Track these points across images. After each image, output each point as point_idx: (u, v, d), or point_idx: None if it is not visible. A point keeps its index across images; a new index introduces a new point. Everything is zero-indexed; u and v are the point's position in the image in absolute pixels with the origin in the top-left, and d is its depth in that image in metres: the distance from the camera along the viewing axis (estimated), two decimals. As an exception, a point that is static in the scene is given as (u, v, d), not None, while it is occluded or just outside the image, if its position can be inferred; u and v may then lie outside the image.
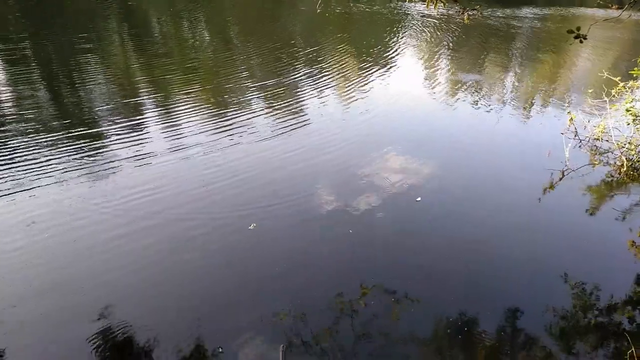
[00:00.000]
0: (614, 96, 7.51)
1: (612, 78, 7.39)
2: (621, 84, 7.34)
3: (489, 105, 9.80)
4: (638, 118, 7.06)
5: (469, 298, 4.35)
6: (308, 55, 12.81)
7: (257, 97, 9.01)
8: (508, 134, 8.46)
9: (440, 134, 8.12)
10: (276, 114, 8.30)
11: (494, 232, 5.48)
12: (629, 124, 7.27)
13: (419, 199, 5.87)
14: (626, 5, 4.73)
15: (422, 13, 25.53)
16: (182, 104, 8.50)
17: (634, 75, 7.12)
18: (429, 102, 9.68)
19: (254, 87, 9.48)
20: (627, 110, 7.16)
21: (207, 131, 7.47)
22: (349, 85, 10.05)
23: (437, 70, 12.61)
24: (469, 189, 6.42)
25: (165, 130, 7.49)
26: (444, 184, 6.44)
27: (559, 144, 7.62)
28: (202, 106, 8.47)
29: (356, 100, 9.24)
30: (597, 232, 5.69)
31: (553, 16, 29.38)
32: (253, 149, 7.00)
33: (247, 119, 7.99)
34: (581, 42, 3.47)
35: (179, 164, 6.47)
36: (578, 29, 3.54)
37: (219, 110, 8.37)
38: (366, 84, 10.33)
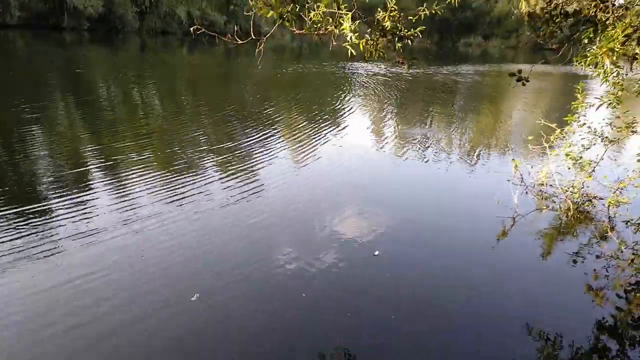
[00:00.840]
0: (552, 142, 7.92)
1: (549, 125, 7.84)
2: (558, 130, 7.78)
3: (438, 158, 10.06)
4: (578, 162, 7.43)
5: (430, 349, 4.17)
6: (262, 117, 12.90)
7: (212, 162, 8.74)
8: (457, 184, 8.62)
9: (393, 188, 8.15)
10: (232, 178, 8.02)
11: (450, 283, 5.37)
12: (569, 168, 7.62)
13: (376, 252, 5.77)
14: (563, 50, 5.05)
15: (370, 71, 26.83)
16: (133, 172, 8.08)
17: (568, 122, 7.58)
18: (380, 157, 9.80)
19: (208, 151, 9.27)
20: (567, 155, 7.53)
21: (160, 200, 6.97)
22: (303, 146, 10.05)
23: (387, 125, 13.02)
24: (424, 240, 6.34)
25: (115, 202, 6.92)
26: (400, 236, 6.34)
27: (507, 191, 7.79)
28: (154, 174, 8.07)
29: (311, 159, 9.18)
30: (552, 277, 5.69)
31: (489, 72, 31.69)
32: (210, 217, 6.61)
33: (203, 185, 7.58)
34: (523, 84, 3.60)
35: (129, 239, 5.91)
36: (519, 71, 3.68)
37: (173, 177, 7.96)
38: (320, 142, 10.38)
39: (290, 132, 11.27)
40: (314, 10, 4.60)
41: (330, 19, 4.91)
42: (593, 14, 4.66)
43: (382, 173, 8.85)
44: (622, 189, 6.89)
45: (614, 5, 4.80)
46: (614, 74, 5.65)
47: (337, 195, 7.57)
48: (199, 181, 7.77)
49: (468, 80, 26.48)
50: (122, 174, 7.95)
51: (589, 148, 7.76)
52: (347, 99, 16.67)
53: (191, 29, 4.60)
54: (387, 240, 6.15)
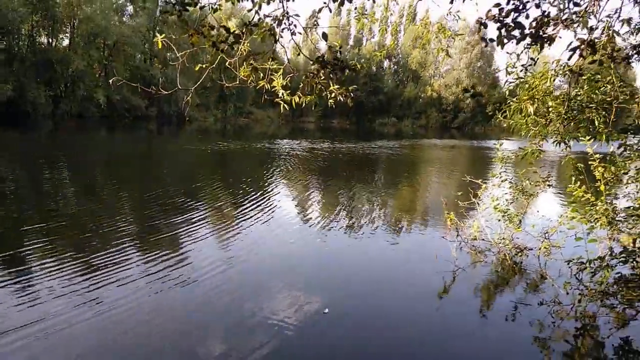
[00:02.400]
0: (479, 197, 8.22)
1: (475, 181, 8.17)
2: (484, 186, 8.13)
3: (371, 226, 9.93)
4: (506, 214, 7.70)
5: None
6: (186, 197, 12.21)
7: (132, 250, 7.63)
8: (395, 247, 8.42)
9: (330, 261, 7.68)
10: (156, 266, 7.03)
11: (396, 343, 5.06)
12: (499, 220, 7.86)
13: (325, 311, 5.30)
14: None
15: (296, 147, 27.38)
16: (41, 266, 6.85)
17: (491, 177, 7.97)
18: (312, 232, 9.21)
19: (130, 239, 8.20)
20: (495, 208, 7.79)
21: (72, 298, 5.85)
22: (230, 225, 9.27)
23: (315, 199, 12.90)
24: (369, 309, 5.99)
25: (20, 299, 5.76)
26: (341, 310, 5.91)
27: (444, 247, 7.90)
28: (63, 267, 6.90)
29: (239, 239, 8.42)
30: (498, 331, 5.48)
31: (405, 145, 33.85)
32: (130, 316, 5.64)
33: (125, 276, 6.49)
34: (478, 100, 3.60)
35: (34, 343, 4.82)
36: (473, 87, 3.69)
37: (89, 270, 6.83)
38: (247, 220, 9.72)
39: (217, 211, 10.65)
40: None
41: (262, 74, 4.82)
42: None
43: (317, 247, 8.36)
44: (549, 236, 7.14)
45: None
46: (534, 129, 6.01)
47: (271, 274, 7.01)
48: (114, 274, 6.67)
49: (388, 153, 27.93)
50: (27, 269, 6.75)
51: (512, 202, 8.12)
52: (273, 175, 16.59)
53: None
54: (328, 318, 5.64)
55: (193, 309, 5.70)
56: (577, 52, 2.62)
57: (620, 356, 4.93)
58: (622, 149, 5.31)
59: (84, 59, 44.27)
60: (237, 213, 10.28)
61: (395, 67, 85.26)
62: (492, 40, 2.72)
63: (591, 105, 5.31)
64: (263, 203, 11.43)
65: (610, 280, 4.97)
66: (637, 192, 6.21)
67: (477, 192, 8.19)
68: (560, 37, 2.53)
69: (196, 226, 9.04)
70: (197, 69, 4.48)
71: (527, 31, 2.56)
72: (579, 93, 5.42)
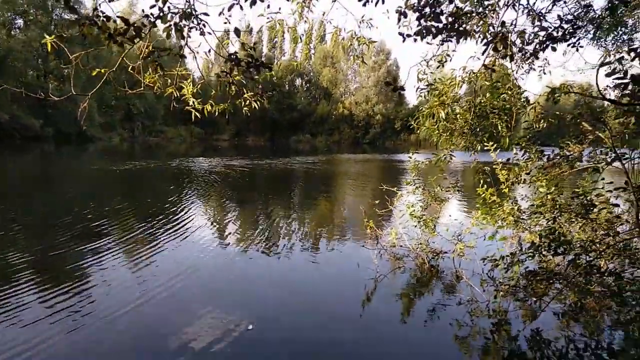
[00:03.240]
0: (395, 205, 8.40)
1: (391, 189, 8.34)
2: (400, 194, 8.32)
3: (293, 239, 9.79)
4: (421, 220, 7.92)
5: None
6: (95, 222, 11.09)
7: (36, 287, 6.69)
8: (317, 259, 8.28)
9: (252, 278, 7.34)
10: (64, 301, 6.16)
11: (321, 354, 4.92)
12: (415, 226, 8.07)
13: (250, 328, 4.94)
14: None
15: (206, 167, 26.46)
16: None
17: (407, 184, 8.20)
18: (230, 252, 8.74)
19: (30, 274, 7.16)
20: (411, 215, 8.00)
21: None
22: (144, 251, 8.49)
23: (232, 218, 12.41)
24: (294, 321, 5.77)
25: None
26: (266, 325, 5.63)
27: (365, 256, 7.93)
28: None
29: (154, 264, 7.68)
30: (418, 335, 5.56)
31: (321, 160, 34.34)
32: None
33: (30, 317, 5.61)
34: (400, 93, 3.54)
35: None
36: (395, 80, 3.64)
37: None
38: (162, 244, 9.00)
39: (129, 236, 9.73)
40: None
41: (169, 80, 4.47)
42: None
43: (238, 266, 7.92)
44: (462, 238, 7.44)
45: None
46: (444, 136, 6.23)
47: (190, 297, 6.50)
48: (15, 315, 5.78)
49: (305, 168, 28.06)
50: None
51: (426, 208, 8.39)
52: (188, 194, 15.74)
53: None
54: (251, 335, 5.33)
55: (110, 343, 5.05)
56: (491, 45, 2.70)
57: (532, 347, 5.18)
58: (522, 151, 5.67)
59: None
60: (151, 236, 9.49)
61: (308, 85, 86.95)
62: (409, 35, 2.71)
63: (494, 110, 5.62)
64: (178, 224, 10.72)
65: (520, 275, 5.22)
66: (535, 192, 6.68)
67: (393, 200, 8.36)
68: (475, 32, 2.59)
69: (106, 253, 8.19)
70: (94, 73, 4.02)
71: (444, 22, 2.58)
72: (482, 100, 5.72)
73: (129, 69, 4.31)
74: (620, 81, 3.78)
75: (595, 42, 9.30)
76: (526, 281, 5.19)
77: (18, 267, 7.25)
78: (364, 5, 3.60)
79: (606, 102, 7.30)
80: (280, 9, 4.18)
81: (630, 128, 4.28)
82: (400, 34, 2.81)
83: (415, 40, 2.70)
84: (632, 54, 3.28)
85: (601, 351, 5.05)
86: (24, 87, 46.12)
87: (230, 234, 10.15)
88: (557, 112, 5.62)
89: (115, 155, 34.33)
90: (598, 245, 4.99)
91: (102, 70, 3.89)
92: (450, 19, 2.60)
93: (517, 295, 5.48)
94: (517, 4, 3.87)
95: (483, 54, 3.04)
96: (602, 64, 4.21)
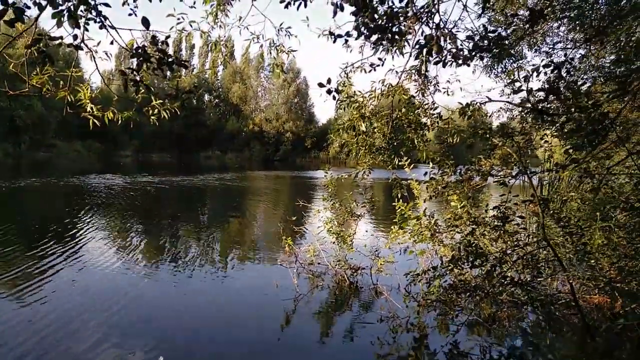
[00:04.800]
0: (311, 222, 8.20)
1: (307, 205, 8.13)
2: (316, 209, 8.14)
3: (207, 262, 9.12)
4: (339, 236, 7.78)
5: None
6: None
7: None
8: (233, 282, 7.76)
9: (161, 307, 6.64)
10: None
11: None
12: (333, 243, 7.91)
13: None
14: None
15: (111, 184, 24.39)
16: None
17: (324, 200, 8.05)
18: (137, 279, 7.82)
19: None
20: (329, 231, 7.84)
21: None
22: (29, 278, 7.45)
23: (139, 243, 11.29)
24: (209, 348, 5.27)
25: None
26: (180, 355, 5.09)
27: (284, 275, 7.59)
28: None
29: (45, 296, 6.69)
30: (339, 355, 5.36)
31: (232, 177, 33.50)
32: None
33: None
34: (334, 97, 3.30)
35: None
36: (329, 81, 3.37)
37: None
38: (56, 273, 7.84)
39: (13, 264, 8.39)
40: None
41: (62, 82, 3.83)
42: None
43: (145, 294, 7.09)
44: (379, 253, 7.42)
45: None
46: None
47: (92, 329, 5.66)
48: None
49: (216, 185, 27.05)
50: None
51: (343, 224, 8.29)
52: (85, 215, 14.17)
53: None
54: None
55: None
56: (425, 49, 2.60)
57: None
58: (437, 166, 5.78)
59: None
60: (40, 263, 8.23)
61: (217, 100, 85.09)
62: (339, 36, 2.52)
63: (411, 125, 5.67)
64: (73, 249, 9.49)
65: (441, 288, 5.24)
66: (445, 206, 6.87)
67: (309, 216, 8.15)
68: (411, 35, 2.47)
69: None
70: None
71: (377, 22, 2.42)
72: (399, 114, 5.76)
73: (10, 66, 3.63)
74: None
75: (487, 70, 10.08)
76: (446, 295, 5.21)
77: None
78: (286, 7, 3.36)
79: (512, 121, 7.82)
80: (194, 3, 3.78)
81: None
82: (331, 33, 2.62)
83: (346, 40, 2.52)
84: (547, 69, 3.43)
85: (513, 358, 5.21)
86: None
87: (134, 257, 9.16)
88: (466, 128, 5.82)
89: (-5, 172, 30.30)
90: (509, 257, 5.18)
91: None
92: (384, 19, 2.48)
93: (436, 309, 5.50)
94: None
95: (416, 58, 2.97)
96: (511, 82, 4.41)
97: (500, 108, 7.96)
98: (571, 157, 4.15)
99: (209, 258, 9.36)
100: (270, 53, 4.92)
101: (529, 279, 5.29)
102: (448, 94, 6.13)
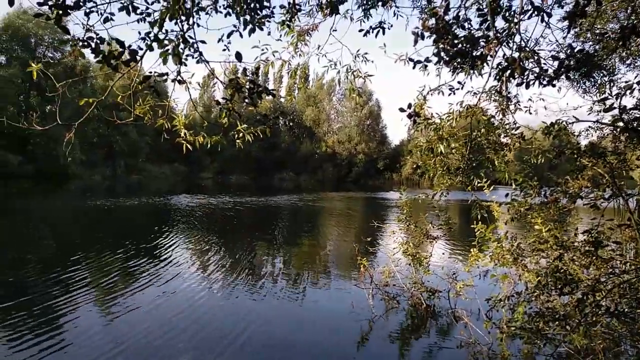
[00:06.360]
0: (384, 242, 8.18)
1: (381, 225, 8.14)
2: (390, 230, 8.11)
3: (285, 279, 9.43)
4: (415, 258, 7.68)
5: None
6: (69, 260, 10.59)
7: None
8: (310, 302, 7.88)
9: (240, 320, 6.95)
10: (27, 344, 5.72)
11: None
12: (409, 265, 7.82)
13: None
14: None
15: (189, 204, 25.96)
16: None
17: (399, 221, 8.02)
18: (219, 294, 8.29)
19: None
20: (404, 253, 7.77)
21: None
22: (121, 292, 7.96)
23: (220, 258, 11.95)
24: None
25: None
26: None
27: (359, 296, 7.63)
28: None
29: (132, 307, 7.19)
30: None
31: (307, 198, 34.16)
32: None
33: None
34: (415, 122, 3.37)
35: None
36: (409, 106, 3.45)
37: None
38: (140, 288, 8.56)
39: (106, 276, 9.22)
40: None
41: (160, 112, 4.29)
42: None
43: (225, 308, 7.49)
44: (457, 276, 7.22)
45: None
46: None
47: (175, 341, 6.08)
48: None
49: (290, 205, 27.76)
50: None
51: (418, 246, 8.17)
52: (171, 232, 15.23)
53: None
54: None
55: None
56: (508, 71, 2.60)
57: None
58: (520, 187, 5.56)
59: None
60: (130, 277, 9.01)
61: (291, 124, 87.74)
62: (419, 62, 2.61)
63: (490, 145, 5.55)
64: (162, 263, 10.26)
65: (526, 315, 4.99)
66: (529, 230, 6.55)
67: (383, 237, 8.14)
68: (492, 58, 2.50)
69: (79, 293, 7.71)
70: (82, 102, 3.83)
71: (459, 47, 2.48)
72: (478, 135, 5.66)
73: (119, 98, 4.13)
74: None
75: (573, 85, 9.54)
76: (531, 323, 4.95)
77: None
78: (365, 35, 3.53)
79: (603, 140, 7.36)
80: (280, 37, 4.08)
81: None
82: (410, 59, 2.72)
83: (425, 66, 2.61)
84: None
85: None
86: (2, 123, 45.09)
87: (213, 273, 9.68)
88: (553, 149, 5.57)
89: (97, 193, 33.50)
90: (603, 285, 4.82)
91: (90, 100, 3.70)
92: (464, 44, 2.53)
93: (521, 337, 5.22)
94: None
95: (497, 79, 2.95)
96: (601, 99, 4.19)
97: (589, 127, 7.50)
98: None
99: (285, 276, 9.61)
100: (347, 78, 5.12)
101: (626, 310, 4.87)
102: (530, 113, 5.94)
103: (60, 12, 2.45)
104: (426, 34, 2.56)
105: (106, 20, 2.83)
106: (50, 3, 2.42)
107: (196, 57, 3.69)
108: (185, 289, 8.28)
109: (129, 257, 10.63)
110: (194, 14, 3.16)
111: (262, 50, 4.61)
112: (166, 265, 10.07)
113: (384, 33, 3.54)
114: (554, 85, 3.77)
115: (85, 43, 2.64)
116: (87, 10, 2.67)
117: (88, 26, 2.62)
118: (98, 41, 2.70)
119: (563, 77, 3.26)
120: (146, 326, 6.35)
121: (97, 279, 8.75)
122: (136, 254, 11.01)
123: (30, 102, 50.44)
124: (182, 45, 3.38)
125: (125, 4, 2.81)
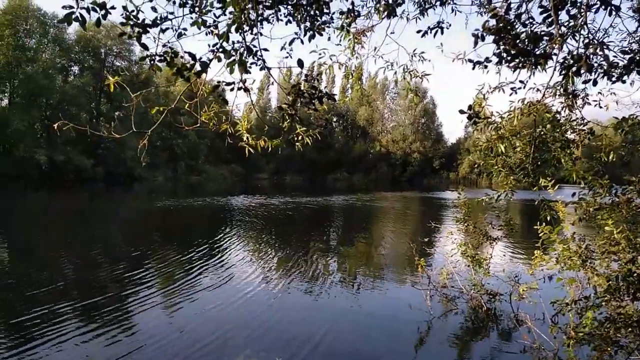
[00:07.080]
0: (442, 243, 8.05)
1: (438, 226, 8.03)
2: (449, 231, 7.97)
3: (342, 278, 9.55)
4: (474, 260, 7.50)
5: None
6: (140, 257, 11.33)
7: (72, 316, 6.86)
8: (368, 301, 7.93)
9: (299, 319, 7.10)
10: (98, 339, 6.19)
11: None
12: (468, 266, 7.66)
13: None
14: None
15: (247, 204, 26.75)
16: None
17: (457, 222, 7.87)
18: (277, 291, 8.54)
19: (74, 312, 7.20)
20: (463, 254, 7.62)
21: None
22: (185, 288, 8.32)
23: (278, 257, 12.24)
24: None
25: None
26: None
27: (416, 296, 7.57)
28: None
29: (194, 303, 7.58)
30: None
31: (361, 198, 34.08)
32: None
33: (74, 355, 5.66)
34: (475, 123, 3.36)
35: None
36: (469, 107, 3.43)
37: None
38: (204, 284, 8.89)
39: (171, 273, 9.76)
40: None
41: (224, 117, 4.51)
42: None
43: (283, 306, 7.62)
44: (519, 279, 6.97)
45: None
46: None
47: (234, 336, 6.36)
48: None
49: (345, 205, 27.87)
50: None
51: (477, 247, 7.97)
52: (231, 231, 15.82)
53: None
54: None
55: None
56: (573, 69, 2.52)
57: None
58: (588, 186, 5.30)
59: (23, 119, 42.53)
60: (193, 274, 9.48)
61: (345, 124, 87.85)
62: (478, 62, 2.59)
63: (556, 143, 5.33)
64: (221, 262, 10.73)
65: (595, 321, 4.76)
66: (598, 231, 6.20)
67: (440, 238, 8.01)
68: (556, 55, 2.44)
69: (147, 288, 8.24)
70: (153, 111, 4.11)
71: (520, 47, 2.44)
72: (543, 132, 5.45)
73: (186, 106, 4.40)
74: None
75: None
76: (601, 329, 4.71)
77: (62, 304, 7.35)
78: (423, 36, 3.54)
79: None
80: (340, 41, 4.17)
81: None
82: (469, 60, 2.70)
83: (485, 66, 2.58)
84: None
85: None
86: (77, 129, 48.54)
87: (270, 271, 9.96)
88: (625, 145, 5.27)
89: (160, 193, 35.34)
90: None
91: (161, 108, 3.98)
92: (527, 43, 2.48)
93: (590, 343, 4.98)
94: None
95: (562, 76, 2.86)
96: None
97: (667, 120, 6.97)
98: None
99: (341, 275, 9.70)
100: (404, 78, 5.11)
101: None
102: (600, 107, 5.63)
103: (141, 30, 2.69)
104: (486, 35, 2.53)
105: (179, 35, 3.05)
106: (131, 23, 2.66)
107: (259, 65, 3.87)
108: (244, 285, 8.59)
109: (196, 254, 11.19)
110: (258, 24, 3.32)
111: (320, 54, 4.73)
112: (226, 263, 10.51)
113: (442, 33, 3.53)
114: (624, 82, 3.58)
115: (162, 57, 2.86)
116: (164, 28, 2.90)
117: (164, 43, 2.85)
118: (172, 55, 2.92)
119: (635, 72, 3.09)
120: (206, 313, 6.68)
121: (173, 278, 9.29)
122: (208, 252, 11.58)
123: (101, 109, 54.01)
124: (246, 54, 3.54)
125: (196, 20, 3.01)
